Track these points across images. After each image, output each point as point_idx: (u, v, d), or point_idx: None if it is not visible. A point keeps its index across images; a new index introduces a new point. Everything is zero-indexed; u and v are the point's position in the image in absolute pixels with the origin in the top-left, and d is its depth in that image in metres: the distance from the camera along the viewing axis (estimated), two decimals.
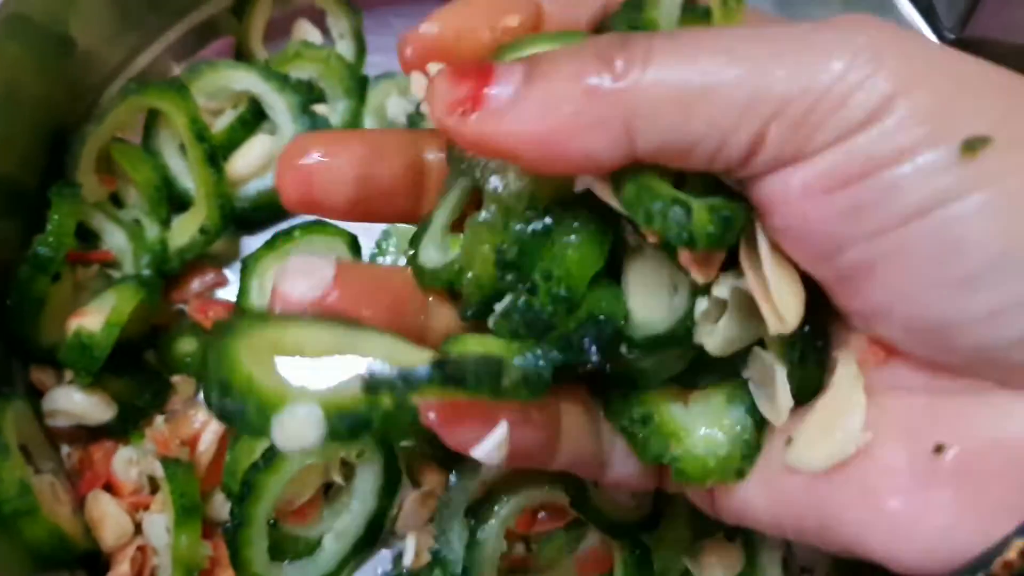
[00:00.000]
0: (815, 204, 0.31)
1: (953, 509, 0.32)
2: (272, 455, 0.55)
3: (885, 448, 0.34)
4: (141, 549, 0.57)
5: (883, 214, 0.30)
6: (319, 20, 0.74)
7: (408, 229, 0.67)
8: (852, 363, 0.36)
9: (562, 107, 0.32)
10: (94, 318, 0.57)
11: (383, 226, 0.69)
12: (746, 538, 0.57)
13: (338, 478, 0.58)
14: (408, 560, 0.59)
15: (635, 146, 0.32)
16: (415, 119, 0.70)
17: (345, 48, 0.73)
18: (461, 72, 0.34)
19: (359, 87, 0.71)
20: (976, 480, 0.32)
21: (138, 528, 0.58)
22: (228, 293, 0.67)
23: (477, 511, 0.58)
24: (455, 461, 0.58)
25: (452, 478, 0.57)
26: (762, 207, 0.33)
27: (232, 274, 0.67)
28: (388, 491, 0.58)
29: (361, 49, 0.74)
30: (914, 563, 0.33)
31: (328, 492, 0.60)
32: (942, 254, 0.30)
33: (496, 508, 0.57)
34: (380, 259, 0.67)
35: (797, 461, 0.36)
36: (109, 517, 0.57)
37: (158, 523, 0.57)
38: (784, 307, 0.33)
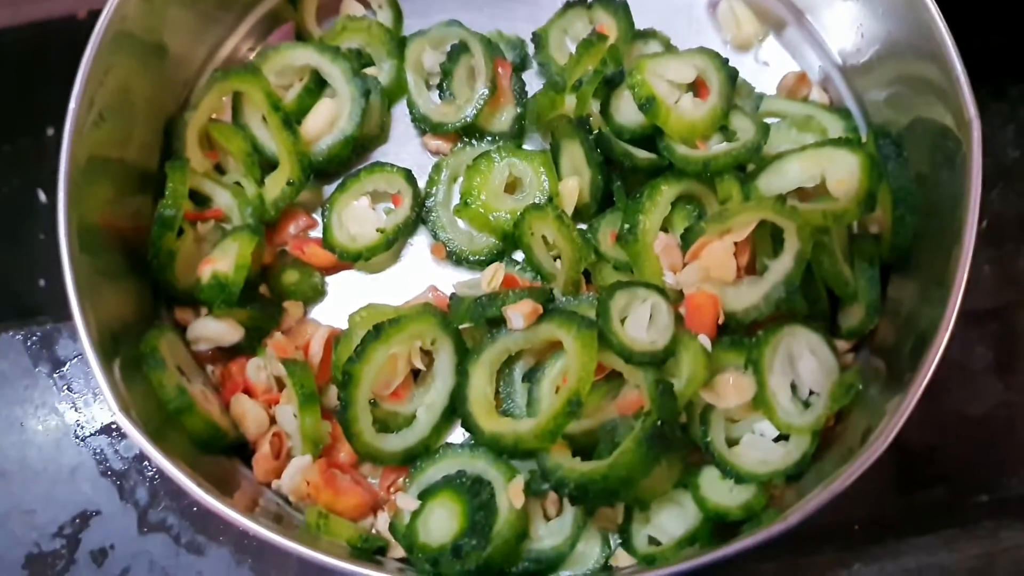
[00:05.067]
0: None
1: None
2: (363, 349, 0.69)
3: None
4: (277, 435, 0.73)
5: None
6: None
7: (456, 158, 0.80)
8: None
9: None
10: (223, 262, 0.72)
11: (433, 160, 0.82)
12: (756, 367, 0.69)
13: (420, 364, 0.72)
14: None
15: None
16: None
17: (384, 16, 0.86)
18: None
19: (399, 48, 0.84)
20: None
21: (272, 420, 0.74)
22: (318, 232, 0.81)
23: (531, 376, 0.71)
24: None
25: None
26: None
27: (319, 217, 0.82)
28: (462, 366, 0.72)
29: (398, 15, 0.86)
30: None
31: (416, 377, 0.74)
32: None
33: (546, 371, 0.70)
34: (432, 188, 0.80)
35: None
36: (249, 412, 0.73)
37: (287, 411, 0.72)
38: None
